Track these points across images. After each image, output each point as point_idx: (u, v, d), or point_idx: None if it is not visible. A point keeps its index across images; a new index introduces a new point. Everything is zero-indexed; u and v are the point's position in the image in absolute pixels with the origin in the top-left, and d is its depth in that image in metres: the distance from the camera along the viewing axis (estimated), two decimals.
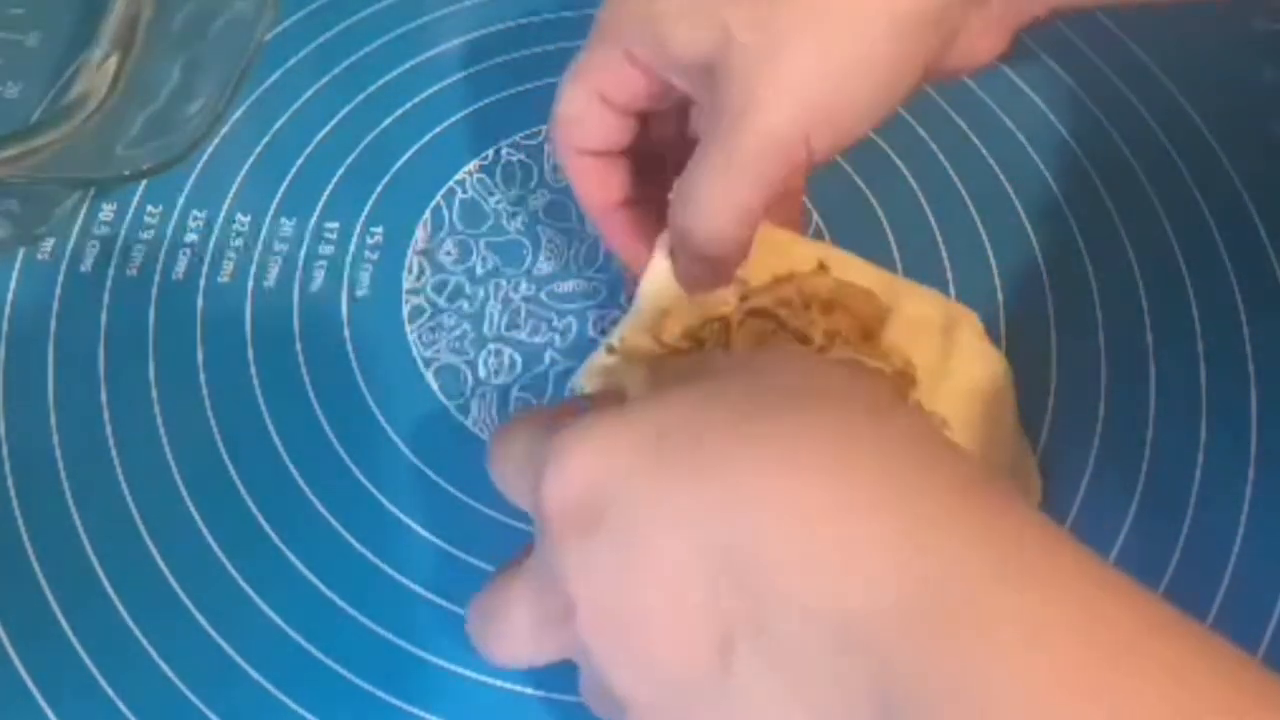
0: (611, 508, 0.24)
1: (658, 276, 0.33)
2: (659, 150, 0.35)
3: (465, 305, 0.38)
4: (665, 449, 0.24)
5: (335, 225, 0.39)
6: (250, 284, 0.38)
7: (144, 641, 0.32)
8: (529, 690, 0.32)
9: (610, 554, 0.24)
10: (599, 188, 0.35)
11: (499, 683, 0.32)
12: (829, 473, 0.23)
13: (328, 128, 0.41)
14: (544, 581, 0.26)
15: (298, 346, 0.37)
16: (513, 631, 0.28)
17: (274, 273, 0.38)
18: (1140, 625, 0.22)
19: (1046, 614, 0.21)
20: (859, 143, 0.32)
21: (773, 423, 0.24)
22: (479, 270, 0.39)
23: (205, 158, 0.40)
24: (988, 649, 0.21)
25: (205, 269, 0.38)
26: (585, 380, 0.34)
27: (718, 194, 0.31)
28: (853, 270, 0.35)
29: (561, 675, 0.32)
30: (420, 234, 0.39)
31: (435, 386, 0.36)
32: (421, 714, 0.31)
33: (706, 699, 0.24)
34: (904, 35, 0.29)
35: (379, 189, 0.40)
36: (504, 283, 0.38)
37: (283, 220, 0.39)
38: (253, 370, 0.36)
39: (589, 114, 0.33)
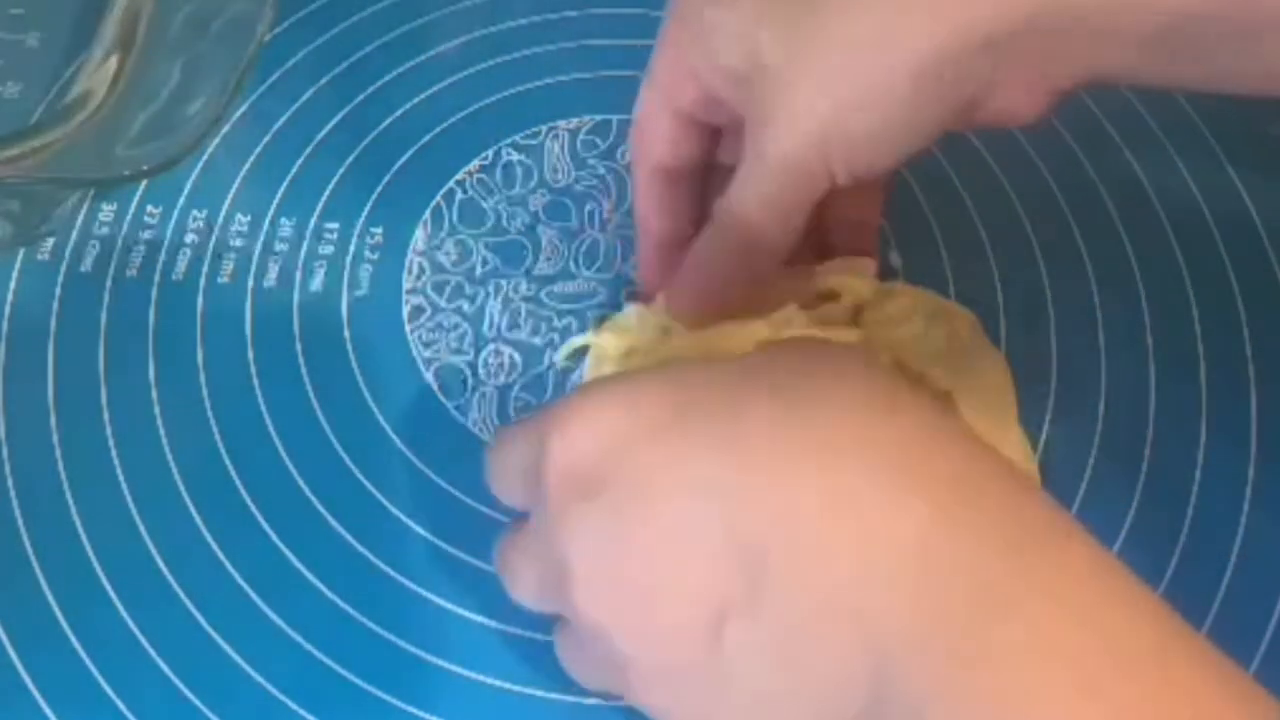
0: (620, 469, 0.25)
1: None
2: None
3: (465, 305, 0.38)
4: (687, 416, 0.24)
5: (335, 225, 0.39)
6: (250, 284, 0.38)
7: (144, 641, 0.32)
8: (529, 690, 0.32)
9: (612, 517, 0.25)
10: (659, 211, 0.35)
11: (499, 683, 0.32)
12: (854, 465, 0.23)
13: (328, 128, 0.41)
14: (542, 551, 0.27)
15: (298, 346, 0.37)
16: (521, 593, 0.29)
17: (274, 273, 0.38)
18: (1152, 643, 0.22)
19: (1055, 628, 0.22)
20: (885, 173, 0.32)
21: (799, 409, 0.24)
22: (479, 270, 0.39)
23: (205, 158, 0.40)
24: (992, 661, 0.21)
25: (205, 269, 0.38)
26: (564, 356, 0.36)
27: (752, 205, 0.32)
28: (849, 280, 0.35)
29: (562, 675, 0.32)
30: (420, 234, 0.39)
31: (435, 386, 0.36)
32: (421, 714, 0.31)
33: (700, 669, 0.25)
34: (925, 75, 0.29)
35: (379, 189, 0.40)
36: (504, 283, 0.38)
37: (283, 220, 0.39)
38: (253, 370, 0.36)
39: (660, 121, 0.34)
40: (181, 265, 0.38)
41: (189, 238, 0.39)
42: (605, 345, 0.36)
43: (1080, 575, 0.23)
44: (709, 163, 0.35)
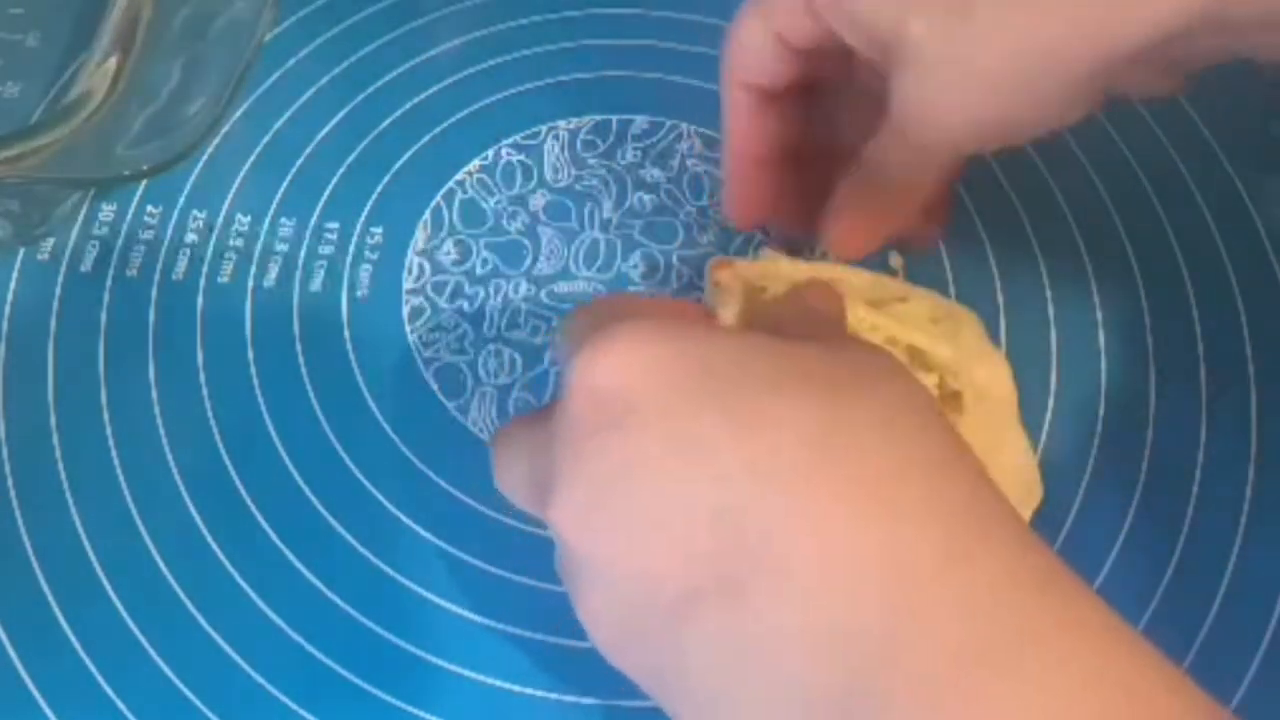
0: (645, 414, 0.24)
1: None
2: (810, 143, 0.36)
3: (465, 305, 0.38)
4: (725, 386, 0.24)
5: (335, 225, 0.39)
6: (250, 284, 0.38)
7: (144, 641, 0.32)
8: (529, 690, 0.32)
9: (620, 456, 0.24)
10: (749, 131, 0.35)
11: (499, 683, 0.32)
12: (874, 477, 0.23)
13: (328, 128, 0.41)
14: (540, 452, 0.26)
15: (298, 346, 0.37)
16: (506, 483, 0.29)
17: (274, 273, 0.38)
18: (1152, 693, 0.21)
19: (1051, 677, 0.21)
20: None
21: (834, 412, 0.24)
22: (479, 270, 0.39)
23: (205, 158, 0.40)
24: (978, 694, 0.21)
25: (205, 269, 0.38)
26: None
27: (900, 172, 0.32)
28: (848, 277, 0.35)
29: (563, 675, 0.32)
30: (420, 234, 0.39)
31: (435, 386, 0.36)
32: (421, 714, 0.31)
33: (650, 635, 0.24)
34: (1098, 74, 0.29)
35: (379, 189, 0.40)
36: (504, 283, 0.38)
37: (283, 220, 0.39)
38: (253, 370, 0.36)
39: (763, 48, 0.33)
40: (181, 265, 0.38)
41: (189, 238, 0.39)
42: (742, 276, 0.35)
43: (1091, 628, 0.22)
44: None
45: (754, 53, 0.33)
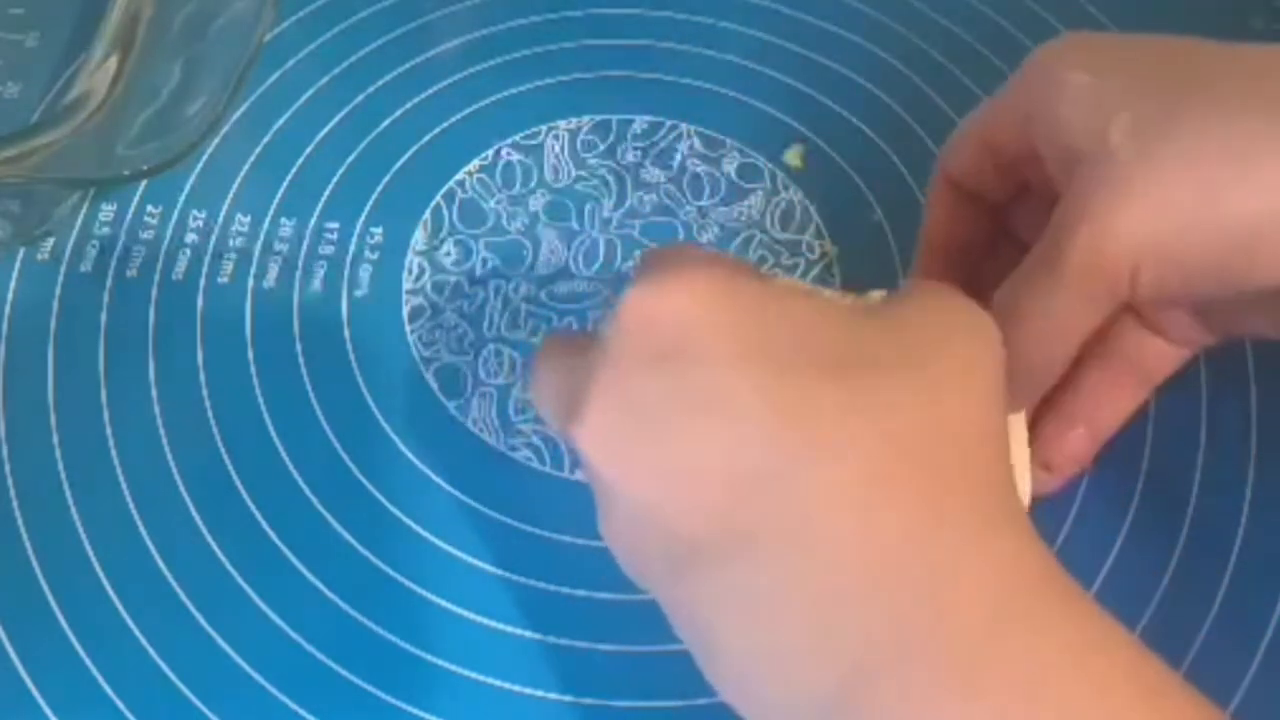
0: (690, 354, 0.24)
1: None
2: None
3: (465, 305, 0.38)
4: (771, 341, 0.24)
5: (335, 225, 0.39)
6: (250, 284, 0.38)
7: (144, 641, 0.32)
8: (529, 690, 0.32)
9: (658, 389, 0.24)
10: (945, 219, 0.34)
11: (499, 683, 0.32)
12: (908, 460, 0.23)
13: (328, 128, 0.41)
14: (572, 371, 0.26)
15: (298, 347, 0.37)
16: (537, 396, 0.29)
17: (274, 273, 0.38)
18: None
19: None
20: (1196, 309, 0.31)
21: (884, 388, 0.24)
22: (479, 270, 0.39)
23: (205, 158, 0.40)
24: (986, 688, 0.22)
25: (205, 269, 0.38)
26: None
27: (1030, 301, 0.29)
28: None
29: (563, 675, 0.32)
30: (420, 234, 0.39)
31: (435, 386, 0.36)
32: (421, 714, 0.31)
33: (664, 570, 0.24)
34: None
35: (379, 189, 0.40)
36: (504, 283, 0.38)
37: (283, 220, 0.39)
38: (253, 370, 0.36)
39: (970, 142, 0.32)
40: (181, 265, 0.38)
41: (189, 238, 0.39)
42: None
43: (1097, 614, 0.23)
44: (1005, 206, 0.34)
45: (962, 149, 0.33)
